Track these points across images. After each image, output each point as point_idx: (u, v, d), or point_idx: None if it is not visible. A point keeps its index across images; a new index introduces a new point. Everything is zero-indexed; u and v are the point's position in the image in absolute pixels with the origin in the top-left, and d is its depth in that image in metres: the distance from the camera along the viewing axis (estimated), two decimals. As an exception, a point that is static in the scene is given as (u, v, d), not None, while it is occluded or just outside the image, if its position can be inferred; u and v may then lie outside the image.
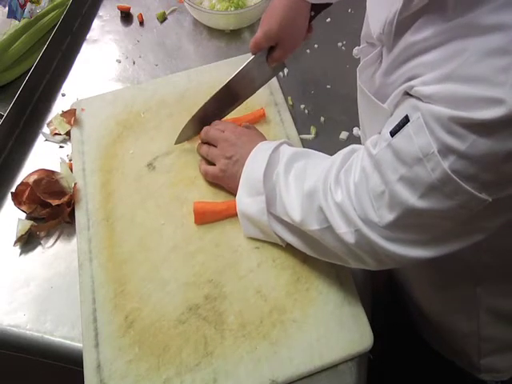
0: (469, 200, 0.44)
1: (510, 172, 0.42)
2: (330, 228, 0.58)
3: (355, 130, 0.87)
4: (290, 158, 0.67)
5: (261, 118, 0.86)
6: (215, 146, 0.77)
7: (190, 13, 1.05)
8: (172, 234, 0.75)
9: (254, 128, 0.82)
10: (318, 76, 0.94)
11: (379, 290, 0.79)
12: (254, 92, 0.82)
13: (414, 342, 0.83)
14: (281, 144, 0.71)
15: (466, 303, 0.69)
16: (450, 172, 0.43)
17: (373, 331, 0.66)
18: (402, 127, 0.47)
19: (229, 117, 0.85)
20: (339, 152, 0.62)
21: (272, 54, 0.78)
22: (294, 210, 0.62)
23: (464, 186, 0.43)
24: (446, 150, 0.43)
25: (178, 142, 0.82)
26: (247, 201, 0.68)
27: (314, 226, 0.60)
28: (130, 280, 0.71)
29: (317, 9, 0.76)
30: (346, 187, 0.55)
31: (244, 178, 0.69)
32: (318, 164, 0.64)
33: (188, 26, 1.06)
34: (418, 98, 0.46)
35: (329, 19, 1.02)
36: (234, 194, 0.73)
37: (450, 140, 0.42)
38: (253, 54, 0.78)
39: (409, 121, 0.46)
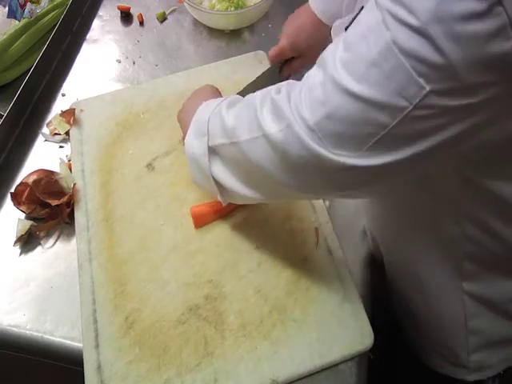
0: (407, 84, 0.42)
1: (450, 55, 0.39)
2: (259, 138, 0.54)
3: None
4: (238, 98, 0.65)
5: None
6: None
7: (189, 13, 1.05)
8: (172, 234, 0.75)
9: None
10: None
11: (379, 290, 0.79)
12: None
13: (406, 354, 0.84)
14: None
15: (451, 293, 0.69)
16: (391, 42, 0.41)
17: (373, 330, 0.66)
18: (355, 18, 0.47)
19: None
20: None
21: (291, 64, 0.80)
22: (229, 118, 0.60)
23: (404, 63, 0.41)
24: (390, 19, 0.41)
25: None
26: (193, 141, 0.66)
27: (244, 135, 0.56)
28: (129, 280, 0.71)
29: None
30: (286, 90, 0.53)
31: (193, 121, 0.67)
32: None
33: (188, 25, 1.06)
34: None
35: (329, 19, 1.02)
36: (183, 131, 0.74)
37: (395, 8, 0.41)
38: (271, 62, 0.80)
39: (362, 8, 0.46)
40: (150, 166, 0.82)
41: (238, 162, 0.60)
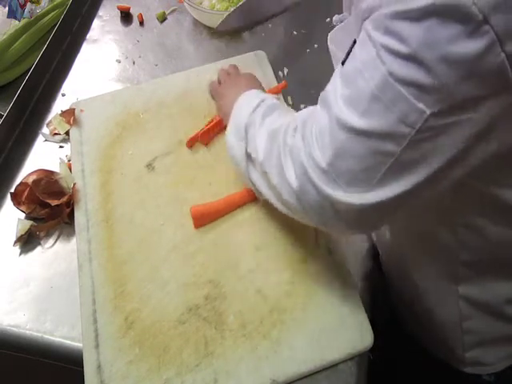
0: (408, 111, 0.43)
1: (442, 76, 0.41)
2: (284, 182, 0.56)
3: None
4: (272, 105, 0.66)
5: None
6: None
7: (189, 13, 1.05)
8: (172, 235, 0.75)
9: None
10: (318, 76, 0.94)
11: (379, 290, 0.79)
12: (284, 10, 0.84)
13: (413, 341, 0.84)
14: (269, 96, 0.71)
15: (446, 295, 0.70)
16: (387, 75, 0.43)
17: (373, 330, 0.66)
18: (349, 53, 0.48)
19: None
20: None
21: None
22: (261, 146, 0.61)
23: (402, 92, 0.42)
24: (384, 52, 0.43)
25: (220, 28, 0.88)
26: (233, 140, 0.67)
27: (272, 173, 0.59)
28: (129, 281, 0.71)
29: None
30: (301, 134, 0.54)
31: (233, 115, 0.69)
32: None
33: (188, 25, 1.06)
34: (363, 20, 0.46)
35: (328, 19, 1.02)
36: (222, 118, 0.77)
37: (387, 40, 0.42)
38: None
39: (355, 42, 0.47)
40: (149, 166, 0.82)
41: (270, 183, 0.62)
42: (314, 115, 0.54)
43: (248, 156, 0.65)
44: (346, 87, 0.47)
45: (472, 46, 0.39)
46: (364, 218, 0.52)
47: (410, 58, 0.41)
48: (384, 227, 0.76)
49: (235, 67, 0.87)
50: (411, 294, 0.77)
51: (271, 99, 0.68)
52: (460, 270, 0.66)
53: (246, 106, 0.67)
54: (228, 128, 0.69)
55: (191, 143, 0.83)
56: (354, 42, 0.48)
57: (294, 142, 0.55)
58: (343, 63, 0.49)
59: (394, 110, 0.44)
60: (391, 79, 0.43)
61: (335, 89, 0.49)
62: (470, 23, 0.39)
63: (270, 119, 0.64)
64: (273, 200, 0.63)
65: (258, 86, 0.81)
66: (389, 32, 0.42)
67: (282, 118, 0.63)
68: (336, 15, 0.66)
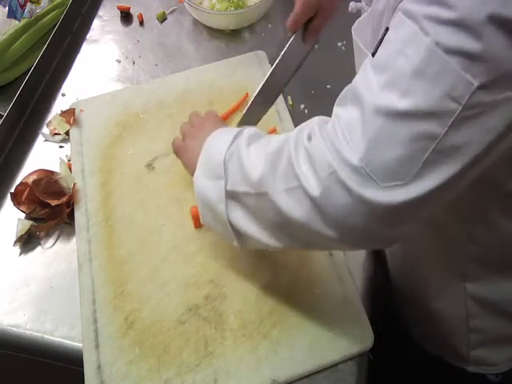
0: (454, 83, 0.41)
1: (492, 43, 0.39)
2: (294, 189, 0.50)
3: None
4: (255, 134, 0.60)
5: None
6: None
7: (190, 13, 1.05)
8: (172, 235, 0.75)
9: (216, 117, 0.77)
10: (318, 76, 0.94)
11: (379, 290, 0.79)
12: (293, 77, 0.78)
13: (413, 341, 0.83)
14: (246, 127, 0.63)
15: (454, 292, 0.70)
16: (433, 45, 0.40)
17: (373, 330, 0.66)
18: (381, 41, 0.46)
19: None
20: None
21: (310, 25, 0.74)
22: (254, 166, 0.54)
23: (448, 61, 0.40)
24: (428, 23, 0.41)
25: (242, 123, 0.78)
26: (205, 183, 0.60)
27: (277, 186, 0.52)
28: (129, 281, 0.71)
29: None
30: (320, 135, 0.49)
31: (203, 157, 0.62)
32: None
33: (188, 25, 1.06)
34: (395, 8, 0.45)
35: (329, 19, 1.02)
36: (190, 173, 0.67)
37: (431, 9, 0.40)
38: (292, 32, 0.74)
39: (387, 29, 0.45)
40: (149, 166, 0.82)
41: (266, 213, 0.55)
42: (333, 117, 0.50)
43: (229, 194, 0.58)
44: (381, 74, 0.44)
45: None
46: (398, 219, 0.48)
47: (458, 23, 0.39)
48: None
49: (196, 114, 0.76)
50: (417, 290, 0.77)
51: (251, 128, 0.62)
52: (469, 267, 0.65)
53: (219, 142, 0.61)
54: (196, 172, 0.62)
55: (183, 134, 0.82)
56: (387, 29, 0.45)
57: (311, 145, 0.49)
58: (373, 54, 0.46)
59: (439, 84, 0.41)
60: (438, 49, 0.40)
61: (367, 80, 0.46)
62: None
63: (259, 144, 0.57)
64: (262, 236, 0.57)
65: (224, 125, 0.73)
66: (432, 1, 0.40)
67: (277, 139, 0.56)
68: (353, 2, 0.64)
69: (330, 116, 0.67)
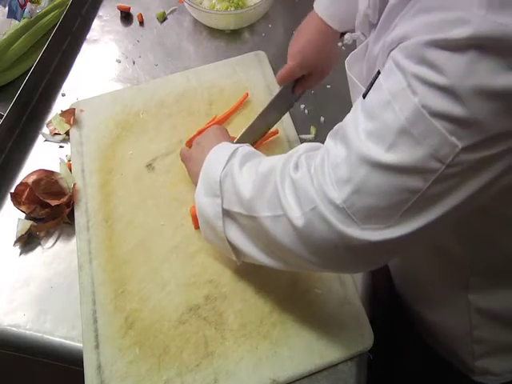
0: (439, 145, 0.41)
1: (478, 110, 0.40)
2: (281, 217, 0.52)
3: None
4: (248, 154, 0.62)
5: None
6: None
7: (190, 13, 1.05)
8: (172, 235, 0.75)
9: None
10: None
11: (379, 290, 0.79)
12: (278, 121, 0.82)
13: (413, 341, 0.83)
14: (241, 146, 0.66)
15: (457, 304, 0.69)
16: (420, 107, 0.41)
17: (373, 331, 0.66)
18: (373, 84, 0.46)
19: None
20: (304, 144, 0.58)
21: (303, 83, 0.77)
22: (246, 187, 0.56)
23: (434, 125, 0.41)
24: (415, 82, 0.41)
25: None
26: (204, 200, 0.63)
27: (264, 211, 0.54)
28: (130, 281, 0.71)
29: (343, 34, 0.75)
30: (306, 168, 0.51)
31: (203, 174, 0.64)
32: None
33: (188, 25, 1.06)
34: (388, 53, 0.45)
35: (329, 19, 1.02)
36: (194, 183, 0.69)
37: (421, 70, 0.41)
38: (281, 84, 0.77)
39: (379, 73, 0.45)
40: (149, 167, 0.82)
41: (258, 233, 0.57)
42: (322, 150, 0.51)
43: (225, 212, 0.60)
44: (369, 121, 0.45)
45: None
46: (378, 254, 0.50)
47: (446, 89, 0.40)
48: None
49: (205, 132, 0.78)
50: (419, 301, 0.77)
51: (245, 147, 0.64)
52: (472, 280, 0.65)
53: (217, 160, 0.63)
54: (197, 188, 0.65)
55: (191, 143, 0.83)
56: (378, 73, 0.46)
57: (297, 177, 0.51)
58: (364, 96, 0.47)
59: (424, 144, 0.42)
60: (424, 111, 0.41)
61: (356, 122, 0.46)
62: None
63: (251, 164, 0.60)
64: (259, 256, 0.59)
65: (228, 138, 0.75)
66: (423, 61, 0.40)
67: (268, 161, 0.58)
68: (348, 34, 0.65)
69: (330, 116, 0.69)
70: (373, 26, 0.56)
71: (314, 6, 0.74)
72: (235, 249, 0.62)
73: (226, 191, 0.60)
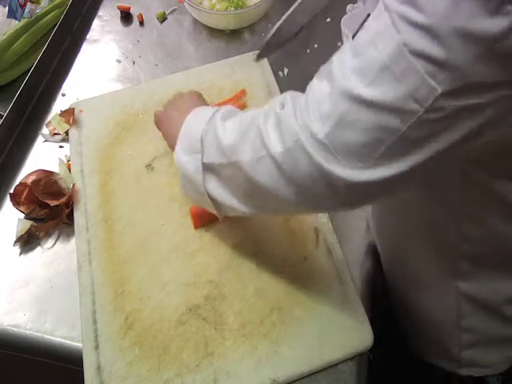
0: (418, 86, 0.41)
1: (457, 53, 0.40)
2: (263, 158, 0.52)
3: None
4: (232, 110, 0.62)
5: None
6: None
7: (190, 13, 1.05)
8: (171, 235, 0.75)
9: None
10: (318, 76, 0.94)
11: (379, 290, 0.79)
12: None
13: (408, 348, 0.84)
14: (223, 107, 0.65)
15: (446, 292, 0.70)
16: (402, 45, 0.41)
17: (373, 330, 0.66)
18: (362, 25, 0.46)
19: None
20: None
21: None
22: (228, 136, 0.57)
23: (415, 64, 0.41)
24: (400, 21, 0.41)
25: (260, 57, 0.80)
26: (184, 158, 0.63)
27: (246, 155, 0.54)
28: (129, 281, 0.71)
29: None
30: (292, 105, 0.51)
31: (182, 133, 0.64)
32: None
33: (188, 25, 1.06)
34: None
35: (329, 19, 1.02)
36: (169, 145, 0.72)
37: (405, 9, 0.41)
38: None
39: (369, 15, 0.46)
40: (149, 167, 0.82)
41: (238, 182, 0.58)
42: (308, 87, 0.51)
43: (206, 167, 0.60)
44: (355, 58, 0.45)
45: (492, 25, 0.38)
46: (356, 195, 0.50)
47: (426, 28, 0.40)
48: (386, 219, 0.76)
49: (180, 93, 0.78)
50: (410, 290, 0.77)
51: (227, 107, 0.64)
52: (461, 264, 0.65)
53: (198, 119, 0.63)
54: (176, 147, 0.64)
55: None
56: (368, 15, 0.46)
57: (282, 112, 0.51)
58: (353, 36, 0.47)
59: (403, 83, 0.42)
60: (405, 49, 0.41)
61: (342, 60, 0.47)
62: (493, 0, 0.37)
63: (235, 117, 0.60)
64: (237, 205, 0.60)
65: (205, 103, 0.75)
66: (407, 0, 0.41)
67: (251, 111, 0.58)
68: (350, 4, 0.65)
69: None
70: None
71: None
72: (215, 201, 0.62)
73: (206, 146, 0.60)
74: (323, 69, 0.51)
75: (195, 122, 0.63)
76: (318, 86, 0.49)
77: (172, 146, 0.67)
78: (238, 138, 0.56)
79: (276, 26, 0.75)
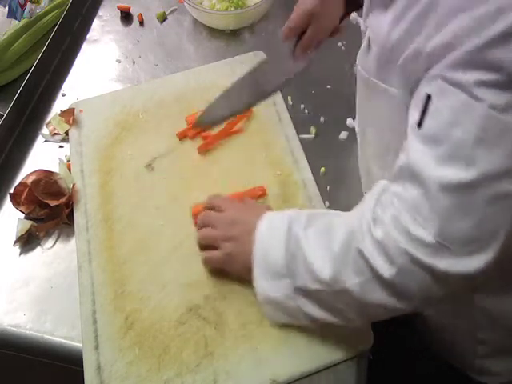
0: None
1: None
2: (370, 280, 0.51)
3: (349, 121, 0.87)
4: (309, 219, 0.60)
5: (261, 196, 0.78)
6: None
7: (190, 13, 1.05)
8: (171, 235, 0.75)
9: (252, 201, 0.74)
10: (318, 76, 0.94)
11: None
12: (274, 91, 0.76)
13: (413, 342, 0.83)
14: (295, 215, 0.63)
15: (463, 304, 0.69)
16: (490, 109, 0.40)
17: (373, 331, 0.66)
18: (426, 108, 0.45)
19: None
20: (370, 193, 0.56)
21: (303, 37, 0.71)
22: (323, 266, 0.55)
23: (507, 120, 0.40)
24: (477, 89, 0.40)
25: (198, 125, 0.77)
26: (267, 284, 0.61)
27: (351, 279, 0.53)
28: (129, 281, 0.71)
29: (348, 8, 0.71)
30: (386, 220, 0.50)
31: (260, 260, 0.61)
32: (342, 215, 0.59)
33: (188, 25, 1.06)
34: (427, 69, 0.44)
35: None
36: (244, 277, 0.66)
37: (476, 75, 0.40)
38: (284, 41, 0.71)
39: (430, 97, 0.44)
40: (149, 167, 0.82)
41: (339, 301, 0.57)
42: (394, 197, 0.50)
43: (298, 291, 0.59)
44: (435, 147, 0.44)
45: None
46: (473, 282, 0.50)
47: (508, 82, 0.39)
48: None
49: (218, 203, 0.71)
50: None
51: (298, 215, 0.61)
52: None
53: (273, 239, 0.60)
54: (255, 273, 0.62)
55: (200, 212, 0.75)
56: (428, 97, 0.45)
57: (380, 237, 0.50)
58: (419, 124, 0.46)
59: (501, 144, 0.41)
60: (494, 112, 0.40)
61: (421, 155, 0.45)
62: None
63: (319, 235, 0.57)
64: (330, 318, 0.59)
65: (265, 208, 0.70)
66: (480, 66, 0.40)
67: (337, 231, 0.56)
68: (353, 15, 0.63)
69: (330, 116, 0.68)
70: (385, 5, 0.54)
71: None
72: (311, 318, 0.61)
73: (296, 271, 0.58)
74: (399, 173, 0.49)
75: (271, 244, 0.60)
76: (407, 193, 0.48)
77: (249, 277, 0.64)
78: (336, 266, 0.54)
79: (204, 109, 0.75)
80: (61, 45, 1.01)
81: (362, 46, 0.62)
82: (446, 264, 0.46)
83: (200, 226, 0.71)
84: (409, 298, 0.51)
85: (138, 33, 1.05)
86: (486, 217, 0.44)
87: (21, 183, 0.78)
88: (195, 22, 1.06)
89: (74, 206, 0.78)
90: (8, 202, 0.80)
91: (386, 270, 0.49)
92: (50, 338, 0.69)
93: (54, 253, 0.76)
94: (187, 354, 0.65)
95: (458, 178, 0.43)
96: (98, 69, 0.99)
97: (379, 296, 0.52)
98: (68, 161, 0.85)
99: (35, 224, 0.77)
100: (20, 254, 0.76)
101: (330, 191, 0.80)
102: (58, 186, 0.79)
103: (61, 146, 0.87)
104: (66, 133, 0.87)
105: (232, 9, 1.01)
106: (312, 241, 0.57)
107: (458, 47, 0.41)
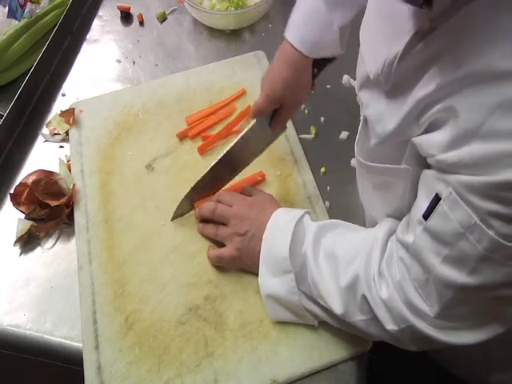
0: None
1: None
2: (375, 319, 0.56)
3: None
4: (316, 235, 0.63)
5: (260, 181, 0.80)
6: (223, 224, 0.71)
7: (190, 13, 1.05)
8: (172, 235, 0.75)
9: (260, 192, 0.76)
10: (318, 76, 0.94)
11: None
12: (255, 158, 0.77)
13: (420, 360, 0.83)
14: (302, 216, 0.66)
15: None
16: (498, 238, 0.42)
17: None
18: (434, 207, 0.46)
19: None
20: (376, 233, 0.59)
21: (276, 117, 0.73)
22: (335, 302, 0.59)
23: (511, 246, 0.42)
24: (488, 218, 0.41)
25: (175, 217, 0.76)
26: (273, 281, 0.64)
27: (357, 316, 0.58)
28: (129, 281, 0.71)
29: (320, 66, 0.72)
30: (391, 281, 0.54)
31: (266, 256, 0.64)
32: (348, 241, 0.62)
33: (188, 25, 1.06)
34: (441, 170, 0.45)
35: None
36: (253, 272, 0.69)
37: (491, 206, 0.41)
38: (254, 118, 0.73)
39: (440, 199, 0.45)
40: (149, 167, 0.82)
41: (339, 324, 0.63)
42: (396, 257, 0.54)
43: (300, 288, 0.63)
44: (443, 247, 0.46)
45: None
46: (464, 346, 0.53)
47: None
48: None
49: (227, 200, 0.74)
50: None
51: (306, 219, 0.65)
52: None
53: (278, 236, 0.64)
54: (260, 272, 0.66)
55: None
56: (436, 197, 0.46)
57: (386, 297, 0.54)
58: (425, 217, 0.48)
59: (507, 264, 0.43)
60: (504, 241, 0.42)
61: (425, 244, 0.48)
62: None
63: (324, 254, 0.62)
64: (335, 324, 0.64)
65: (273, 202, 0.73)
66: (491, 198, 0.41)
67: (346, 268, 0.59)
68: (346, 76, 0.64)
69: (330, 116, 0.67)
70: (383, 91, 0.54)
71: (285, 32, 0.70)
72: (313, 314, 0.64)
73: (299, 269, 0.62)
74: (401, 238, 0.53)
75: (277, 241, 0.64)
76: (412, 266, 0.52)
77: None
78: (345, 303, 0.58)
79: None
80: (61, 45, 1.01)
81: (359, 134, 0.63)
82: (448, 336, 0.50)
83: (203, 218, 0.74)
84: (411, 346, 0.56)
85: (138, 33, 1.05)
86: (490, 307, 0.49)
87: (21, 183, 0.78)
88: (195, 21, 1.06)
89: (74, 206, 0.78)
90: (8, 202, 0.80)
91: (389, 325, 0.54)
92: (50, 338, 0.69)
93: (54, 253, 0.76)
94: (187, 354, 0.65)
95: (460, 280, 0.46)
96: (97, 69, 0.99)
97: (384, 334, 0.57)
98: (68, 161, 0.85)
99: (35, 224, 0.77)
100: (20, 254, 0.76)
101: (330, 191, 0.81)
102: (58, 186, 0.79)
103: (61, 146, 0.87)
104: (66, 133, 0.87)
105: (232, 9, 1.01)
106: (320, 265, 0.61)
107: (479, 174, 0.41)
